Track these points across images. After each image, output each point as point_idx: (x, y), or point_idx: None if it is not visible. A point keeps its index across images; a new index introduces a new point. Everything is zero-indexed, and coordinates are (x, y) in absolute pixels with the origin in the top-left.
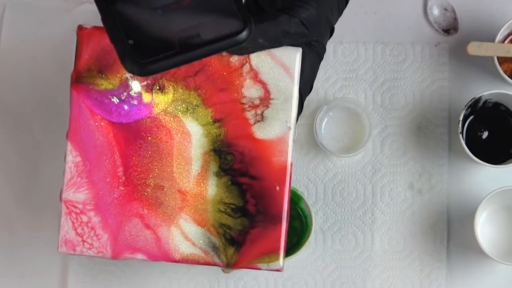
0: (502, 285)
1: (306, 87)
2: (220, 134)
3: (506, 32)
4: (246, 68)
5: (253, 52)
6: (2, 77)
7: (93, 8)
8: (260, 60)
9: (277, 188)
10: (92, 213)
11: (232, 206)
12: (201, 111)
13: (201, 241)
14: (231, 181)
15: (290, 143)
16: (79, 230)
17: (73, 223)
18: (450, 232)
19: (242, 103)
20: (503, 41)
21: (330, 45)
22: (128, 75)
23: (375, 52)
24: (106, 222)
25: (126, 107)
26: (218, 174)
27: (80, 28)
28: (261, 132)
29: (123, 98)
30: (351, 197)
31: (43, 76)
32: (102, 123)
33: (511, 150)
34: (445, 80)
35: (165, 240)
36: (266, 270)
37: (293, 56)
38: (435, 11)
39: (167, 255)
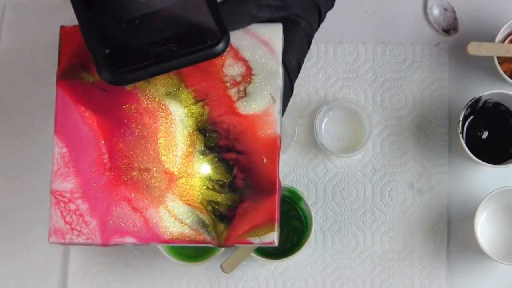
0: (502, 285)
1: (293, 68)
2: (203, 114)
3: (506, 32)
4: None
5: (230, 31)
6: (2, 77)
7: None
8: (239, 37)
9: (264, 160)
10: (79, 201)
11: (219, 182)
12: (183, 92)
13: (190, 220)
14: (217, 157)
15: (277, 115)
16: (67, 219)
17: (61, 212)
18: (450, 232)
19: (224, 82)
20: (503, 41)
21: (330, 45)
22: None
23: (375, 52)
24: (94, 208)
25: (108, 96)
26: (204, 153)
27: (62, 27)
28: (245, 107)
29: (105, 88)
30: (351, 197)
31: (43, 75)
32: (86, 114)
33: (511, 150)
34: (445, 80)
35: (153, 221)
36: (259, 244)
37: (273, 32)
38: (435, 11)
39: (156, 236)
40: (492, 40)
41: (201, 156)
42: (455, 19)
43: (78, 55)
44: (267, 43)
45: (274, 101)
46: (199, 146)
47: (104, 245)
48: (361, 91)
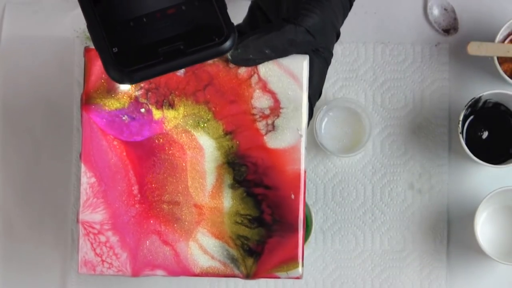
0: (502, 285)
1: (315, 93)
2: (232, 146)
3: (506, 32)
4: (254, 79)
5: (260, 63)
6: (2, 76)
7: None
8: (268, 70)
9: (292, 196)
10: (110, 233)
11: (248, 217)
12: (212, 124)
13: (219, 254)
14: (246, 192)
15: (303, 151)
16: (98, 251)
17: (91, 243)
18: (450, 232)
19: (253, 114)
20: (503, 41)
21: None
22: (137, 93)
23: (375, 52)
24: (124, 240)
25: (137, 125)
26: (232, 186)
27: (87, 49)
28: (273, 141)
29: (134, 116)
30: (351, 197)
31: (43, 75)
32: (114, 143)
33: (511, 150)
34: (445, 80)
35: (183, 255)
36: (286, 278)
37: (300, 64)
38: (435, 11)
39: (186, 269)
40: (492, 40)
41: (230, 190)
42: (455, 19)
43: (105, 79)
44: (294, 76)
45: (301, 136)
46: (228, 179)
47: (135, 275)
48: (361, 91)
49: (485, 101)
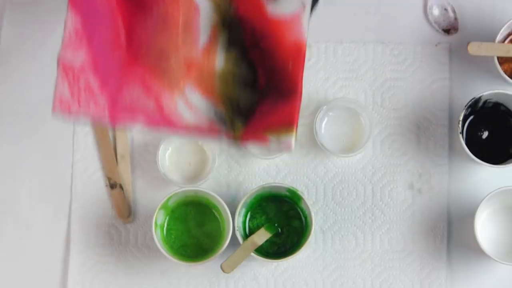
0: (502, 285)
1: None
2: (229, 9)
3: (506, 32)
4: None
5: None
6: (2, 76)
7: None
8: None
9: (290, 65)
10: (90, 76)
11: (241, 79)
12: None
13: (206, 112)
14: (241, 55)
15: (305, 21)
16: (75, 91)
17: (69, 84)
18: (450, 232)
19: None
20: (503, 41)
21: (330, 45)
22: None
23: (375, 52)
24: (105, 84)
25: None
26: (227, 48)
27: None
28: (274, 8)
29: None
30: (351, 197)
31: (43, 75)
32: None
33: (511, 150)
34: (445, 80)
35: (167, 106)
36: (276, 147)
37: None
38: (435, 11)
39: (168, 121)
40: (492, 40)
41: (223, 51)
42: (455, 19)
43: None
44: None
45: (304, 7)
46: (223, 40)
47: (113, 121)
48: (361, 91)
49: (485, 101)
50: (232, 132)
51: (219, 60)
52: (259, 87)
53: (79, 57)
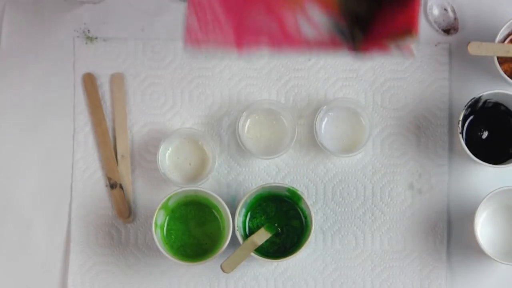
0: (502, 285)
1: None
2: None
3: (506, 32)
4: None
5: None
6: (2, 76)
7: (93, 8)
8: None
9: None
10: (216, 4)
11: None
12: None
13: (327, 26)
14: None
15: None
16: (202, 21)
17: (197, 15)
18: (450, 232)
19: None
20: (503, 41)
21: None
22: None
23: None
24: (230, 10)
25: None
26: None
27: None
28: None
29: None
30: (351, 197)
31: (43, 75)
32: None
33: (511, 150)
34: (445, 80)
35: (289, 24)
36: (397, 51)
37: None
38: (435, 11)
39: (291, 38)
40: (492, 40)
41: None
42: (455, 19)
43: None
44: None
45: None
46: None
47: (239, 46)
48: (361, 91)
49: (485, 101)
50: (353, 43)
51: None
52: None
53: None
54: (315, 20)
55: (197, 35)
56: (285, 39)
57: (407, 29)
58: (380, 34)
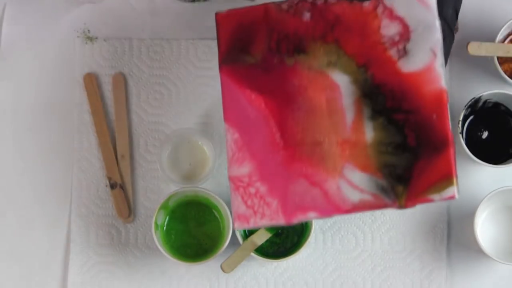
0: (502, 285)
1: (450, 14)
2: (367, 79)
3: (506, 32)
4: (380, 9)
5: None
6: (2, 76)
7: (93, 8)
8: None
9: (434, 116)
10: (258, 184)
11: (392, 144)
12: (344, 61)
13: (368, 186)
14: (387, 120)
15: (439, 69)
16: (249, 203)
17: (242, 197)
18: (450, 232)
19: (383, 43)
20: (503, 41)
21: None
22: (269, 45)
23: None
24: (273, 188)
25: (272, 76)
26: (373, 117)
27: (217, 13)
28: (407, 65)
29: (268, 68)
30: None
31: (43, 75)
32: (252, 96)
33: (511, 150)
34: (445, 80)
35: (333, 193)
36: (440, 200)
37: None
38: None
39: (337, 207)
40: (492, 40)
41: (370, 121)
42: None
43: (236, 39)
44: None
45: (435, 55)
46: (367, 111)
47: (288, 223)
48: None
49: (485, 101)
50: (397, 201)
51: (368, 132)
52: (411, 147)
53: (245, 168)
54: (356, 182)
55: (246, 216)
56: (331, 209)
57: (447, 177)
58: (421, 187)
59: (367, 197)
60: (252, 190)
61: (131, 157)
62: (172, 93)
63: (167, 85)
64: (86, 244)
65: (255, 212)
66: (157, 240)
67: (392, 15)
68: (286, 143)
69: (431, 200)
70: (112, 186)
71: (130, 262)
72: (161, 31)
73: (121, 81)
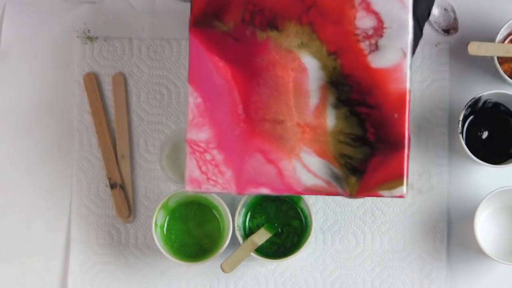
0: (502, 285)
1: (423, 14)
2: (336, 67)
3: (506, 32)
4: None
5: None
6: (2, 76)
7: (93, 8)
8: None
9: (396, 115)
10: (215, 151)
11: (352, 136)
12: (315, 45)
13: (323, 172)
14: (349, 111)
15: (407, 70)
16: (203, 168)
17: (197, 161)
18: (450, 232)
19: (356, 35)
20: (503, 41)
21: None
22: (242, 16)
23: None
24: (229, 158)
25: (242, 47)
26: (336, 106)
27: None
28: (377, 61)
29: (239, 38)
30: None
31: (43, 75)
32: (220, 64)
33: (511, 150)
34: (445, 80)
35: (287, 173)
36: (389, 197)
37: None
38: (435, 11)
39: (290, 187)
40: (492, 40)
41: (333, 110)
42: (455, 19)
43: (210, 4)
44: None
45: (404, 55)
46: (332, 99)
47: (239, 193)
48: None
49: (485, 101)
50: (348, 190)
51: (330, 119)
52: (369, 141)
53: (204, 134)
54: (311, 166)
55: (198, 180)
56: (283, 187)
57: (398, 176)
58: (373, 181)
59: (320, 183)
60: (208, 156)
61: (131, 157)
62: (172, 93)
63: (167, 85)
64: (86, 244)
65: (208, 179)
66: (157, 240)
67: (369, 8)
68: (248, 116)
69: (380, 195)
70: (112, 186)
71: (130, 262)
72: (161, 31)
73: (121, 81)
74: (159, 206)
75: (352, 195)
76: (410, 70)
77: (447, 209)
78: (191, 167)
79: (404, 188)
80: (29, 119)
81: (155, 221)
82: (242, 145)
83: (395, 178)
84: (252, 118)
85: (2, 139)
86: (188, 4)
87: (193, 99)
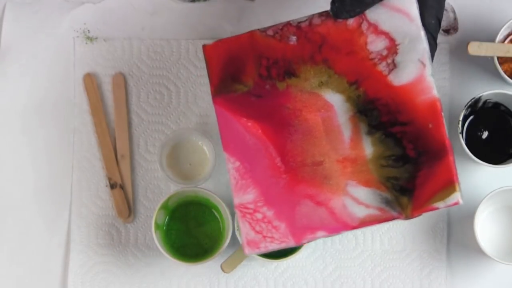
0: (502, 285)
1: (432, 24)
2: (360, 95)
3: (506, 32)
4: (364, 25)
5: (363, 11)
6: (2, 76)
7: (93, 8)
8: (375, 13)
9: (430, 125)
10: (264, 208)
11: (392, 157)
12: (335, 80)
13: (373, 201)
14: (384, 134)
15: (430, 78)
16: (257, 228)
17: (249, 223)
18: (450, 232)
19: (371, 59)
20: (503, 41)
21: None
22: (259, 72)
23: None
24: (280, 212)
25: (266, 101)
26: (369, 132)
27: (204, 46)
28: (398, 78)
29: (261, 94)
30: None
31: (43, 75)
32: (248, 124)
33: (511, 150)
34: (445, 80)
35: (339, 211)
36: (444, 207)
37: None
38: None
39: (345, 224)
40: (492, 40)
41: (368, 137)
42: (455, 19)
43: (226, 69)
44: (403, 10)
45: (424, 65)
46: (364, 127)
47: (297, 243)
48: None
49: (485, 101)
50: (403, 212)
51: (367, 147)
52: (411, 158)
53: (249, 195)
54: (360, 197)
55: (255, 241)
56: (340, 226)
57: (449, 184)
58: (425, 196)
59: (373, 212)
60: (259, 215)
61: (131, 157)
62: (172, 93)
63: (167, 85)
64: (86, 244)
65: (264, 237)
66: (157, 240)
67: (377, 30)
68: (287, 166)
69: (436, 208)
70: (112, 186)
71: (130, 262)
72: (161, 31)
73: (121, 81)
74: (159, 206)
75: (408, 216)
76: (433, 78)
77: (447, 209)
78: (245, 230)
79: (458, 194)
80: (29, 119)
81: (155, 221)
82: (289, 196)
83: (446, 186)
84: (292, 167)
85: (2, 139)
86: (188, 4)
87: (232, 165)
